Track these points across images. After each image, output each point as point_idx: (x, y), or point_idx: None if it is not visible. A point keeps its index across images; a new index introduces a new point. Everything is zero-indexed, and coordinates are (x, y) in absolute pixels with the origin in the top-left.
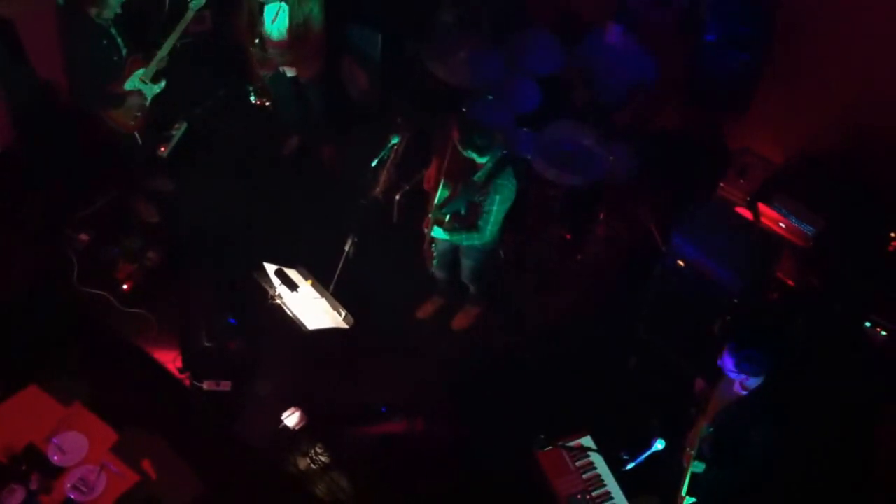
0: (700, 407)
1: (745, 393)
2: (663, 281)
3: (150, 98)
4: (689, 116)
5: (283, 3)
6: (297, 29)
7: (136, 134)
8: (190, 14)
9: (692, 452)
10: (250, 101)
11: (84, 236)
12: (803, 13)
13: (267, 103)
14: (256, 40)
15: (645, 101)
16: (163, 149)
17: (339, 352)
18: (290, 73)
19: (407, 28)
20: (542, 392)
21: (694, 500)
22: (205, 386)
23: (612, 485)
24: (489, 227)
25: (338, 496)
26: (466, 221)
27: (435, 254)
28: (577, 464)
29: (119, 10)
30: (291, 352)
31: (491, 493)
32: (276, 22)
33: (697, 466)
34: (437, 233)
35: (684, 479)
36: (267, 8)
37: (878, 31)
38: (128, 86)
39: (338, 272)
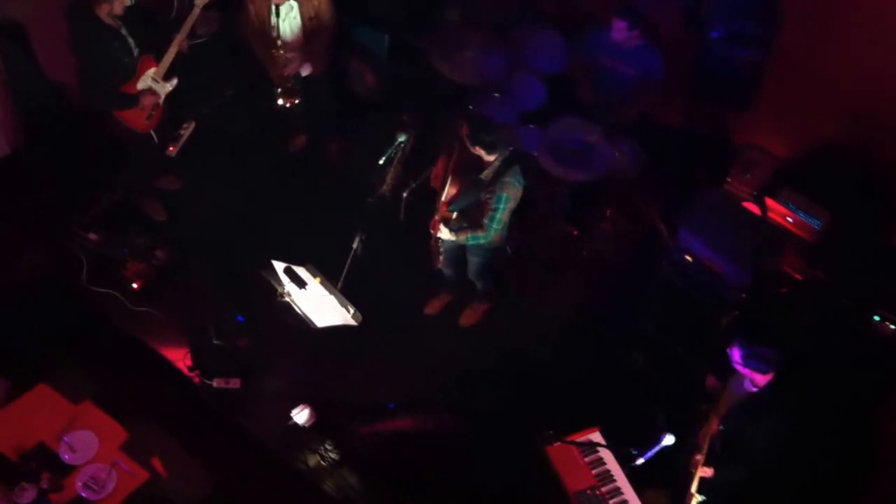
0: (712, 404)
1: (755, 390)
2: (670, 276)
3: (163, 96)
4: (694, 112)
5: (292, 1)
6: (311, 24)
7: (153, 133)
8: (196, 11)
9: (701, 459)
10: (278, 104)
11: (93, 235)
12: (808, 9)
13: (297, 101)
14: (279, 42)
15: (650, 97)
16: (172, 148)
17: (347, 349)
18: (304, 71)
19: (413, 26)
20: (550, 388)
21: (704, 498)
22: (214, 384)
23: (621, 480)
24: (494, 226)
25: (347, 493)
26: (473, 219)
27: (442, 252)
28: (587, 459)
29: (131, 2)
30: (300, 349)
31: (501, 489)
32: (287, 21)
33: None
34: (444, 234)
35: (693, 480)
36: (280, 9)
37: (883, 25)
38: (140, 85)
39: (346, 269)
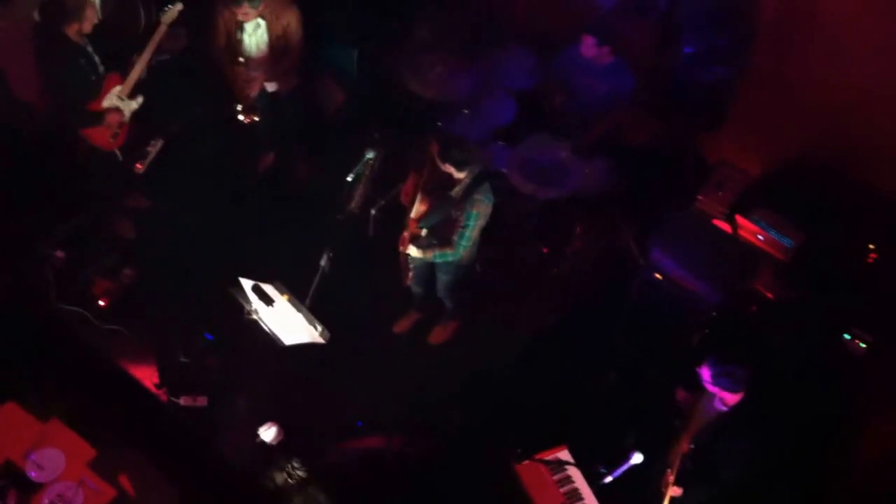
0: (682, 422)
1: (725, 409)
2: (641, 294)
3: (128, 114)
4: (665, 129)
5: (260, 19)
6: (277, 42)
7: (117, 151)
8: (162, 28)
9: (672, 478)
10: (238, 120)
11: (60, 253)
12: (780, 27)
13: (256, 119)
14: (241, 59)
15: (621, 113)
16: (139, 166)
17: (315, 367)
18: (270, 87)
19: (383, 43)
20: (520, 405)
21: None
22: (181, 401)
23: (589, 499)
24: (464, 243)
25: None
26: (442, 236)
27: (412, 269)
28: (555, 477)
29: (98, 20)
30: (268, 367)
31: None
32: (254, 38)
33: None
34: (413, 252)
35: (664, 500)
36: (246, 26)
37: (855, 46)
38: (106, 103)
39: (314, 287)
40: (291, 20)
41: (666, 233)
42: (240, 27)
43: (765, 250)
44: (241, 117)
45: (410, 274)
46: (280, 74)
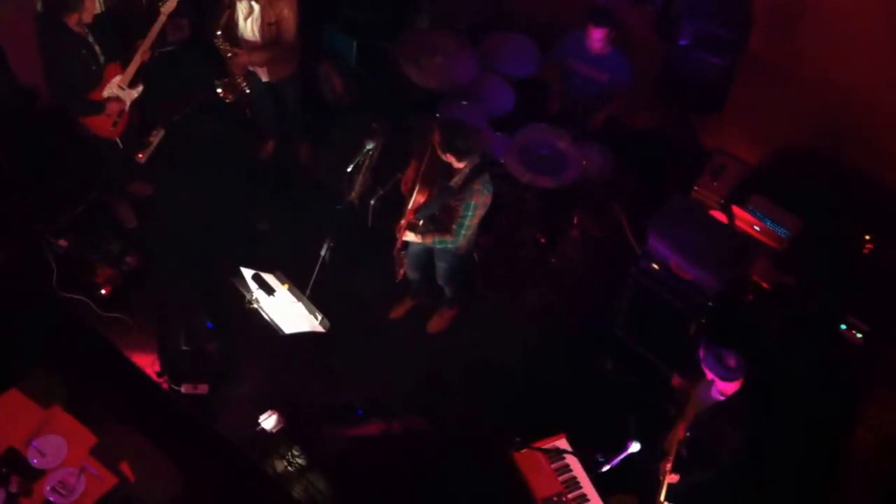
0: (679, 409)
1: (722, 399)
2: (638, 282)
3: (129, 103)
4: (663, 118)
5: (254, 3)
6: (269, 29)
7: (118, 140)
8: (162, 18)
9: (669, 466)
10: (216, 93)
11: (63, 241)
12: (778, 15)
13: (230, 98)
14: (218, 32)
15: (620, 102)
16: (141, 155)
17: (316, 355)
18: (263, 77)
19: (382, 32)
20: (518, 394)
21: None
22: (182, 389)
23: (587, 487)
24: (463, 232)
25: (315, 498)
26: (441, 225)
27: (406, 262)
28: (553, 466)
29: (100, 9)
30: (269, 355)
31: (468, 496)
32: (249, 22)
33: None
34: (410, 237)
35: (661, 487)
36: (239, 7)
37: (851, 35)
38: (106, 93)
39: (314, 276)
40: (285, 8)
41: (662, 221)
42: (232, 6)
43: (760, 240)
44: (218, 90)
45: (403, 269)
46: (271, 63)
